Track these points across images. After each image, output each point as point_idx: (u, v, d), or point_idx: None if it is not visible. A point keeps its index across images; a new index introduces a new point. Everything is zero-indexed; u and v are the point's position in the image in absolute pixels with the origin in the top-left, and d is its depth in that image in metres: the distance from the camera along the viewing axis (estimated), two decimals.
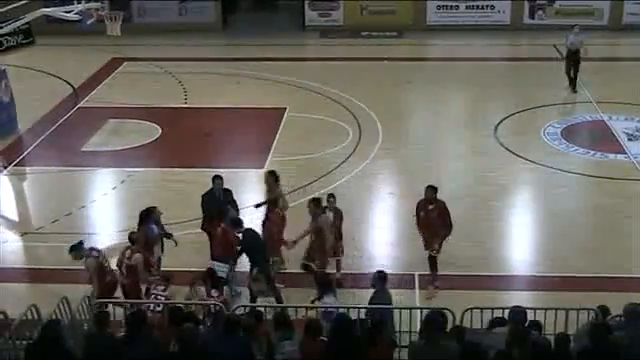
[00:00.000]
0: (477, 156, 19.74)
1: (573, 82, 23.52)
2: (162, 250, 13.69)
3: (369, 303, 11.27)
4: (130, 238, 12.85)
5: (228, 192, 14.36)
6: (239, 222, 13.35)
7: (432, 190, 13.75)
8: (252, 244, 13.17)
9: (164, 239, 13.78)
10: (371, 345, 9.34)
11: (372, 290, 11.52)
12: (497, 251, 15.43)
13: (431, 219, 13.71)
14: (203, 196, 14.28)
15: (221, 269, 12.77)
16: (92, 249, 12.74)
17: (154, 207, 13.72)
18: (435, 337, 9.17)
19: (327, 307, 11.19)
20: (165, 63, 27.05)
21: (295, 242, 13.65)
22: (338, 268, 14.01)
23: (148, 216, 13.49)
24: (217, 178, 14.31)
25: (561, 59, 24.46)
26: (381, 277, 11.49)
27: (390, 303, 11.35)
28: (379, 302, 11.19)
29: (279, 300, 12.88)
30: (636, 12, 30.60)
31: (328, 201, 13.86)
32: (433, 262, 13.86)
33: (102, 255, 12.73)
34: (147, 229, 13.31)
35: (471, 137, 21.06)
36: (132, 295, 12.44)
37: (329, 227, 13.51)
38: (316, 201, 13.64)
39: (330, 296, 11.67)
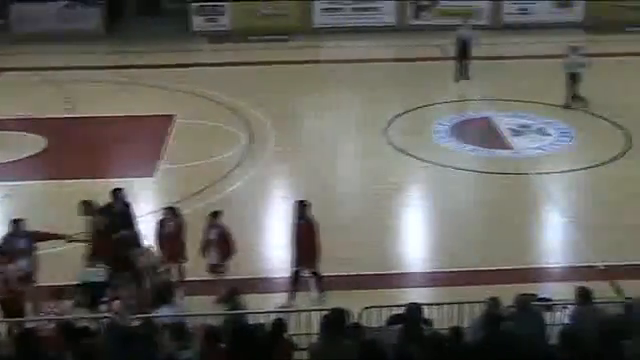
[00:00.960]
0: (369, 157, 19.89)
1: (465, 70, 24.02)
2: (34, 264, 13.04)
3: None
4: None
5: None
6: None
7: (300, 205, 13.36)
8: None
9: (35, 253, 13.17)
10: (272, 348, 9.26)
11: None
12: (393, 249, 15.59)
13: (298, 235, 13.24)
14: (101, 210, 13.67)
15: (98, 274, 12.44)
16: None
17: (19, 219, 13.13)
18: (333, 337, 9.17)
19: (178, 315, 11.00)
20: (47, 72, 26.17)
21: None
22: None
23: (14, 227, 13.01)
24: (117, 191, 13.86)
25: (449, 58, 24.93)
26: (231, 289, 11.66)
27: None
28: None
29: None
30: (513, 12, 31.56)
31: (209, 218, 13.42)
32: (316, 275, 13.53)
33: None
34: (8, 241, 12.84)
35: (362, 138, 21.24)
36: (14, 310, 11.92)
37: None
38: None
39: (167, 307, 11.38)
